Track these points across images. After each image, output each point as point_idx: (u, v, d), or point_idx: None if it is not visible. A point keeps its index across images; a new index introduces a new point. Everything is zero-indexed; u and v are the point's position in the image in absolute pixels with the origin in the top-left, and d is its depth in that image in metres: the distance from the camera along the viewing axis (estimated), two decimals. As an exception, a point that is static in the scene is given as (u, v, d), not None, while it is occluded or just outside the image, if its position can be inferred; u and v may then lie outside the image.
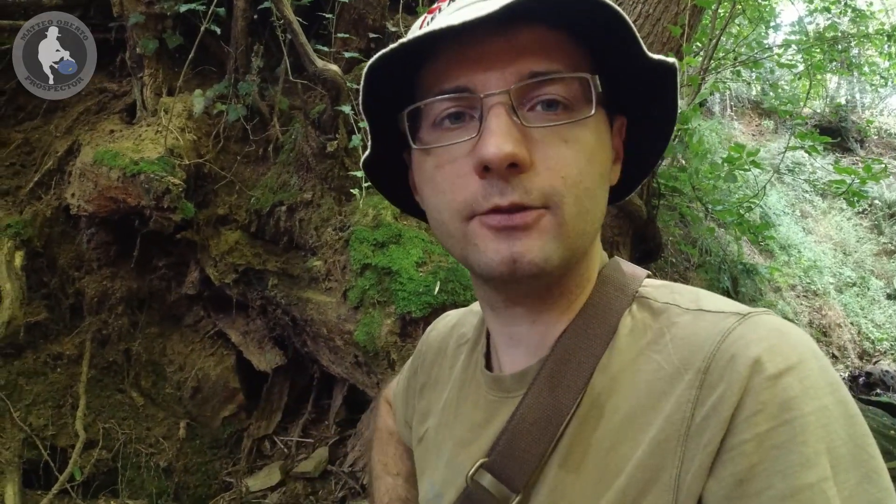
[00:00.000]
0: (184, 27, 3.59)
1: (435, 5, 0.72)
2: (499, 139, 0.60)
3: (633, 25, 0.61)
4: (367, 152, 0.78)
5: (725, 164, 3.59)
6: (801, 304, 8.45)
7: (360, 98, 0.68)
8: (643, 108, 0.74)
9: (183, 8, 3.16)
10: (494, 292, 0.74)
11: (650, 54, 0.65)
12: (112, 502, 3.40)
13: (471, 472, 0.71)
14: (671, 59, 0.67)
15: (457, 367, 0.90)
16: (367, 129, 0.75)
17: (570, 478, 0.65)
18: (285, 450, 4.03)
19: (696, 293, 0.69)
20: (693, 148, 3.54)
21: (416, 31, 0.72)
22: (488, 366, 0.83)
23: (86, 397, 3.56)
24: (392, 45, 0.60)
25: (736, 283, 7.66)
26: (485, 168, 0.61)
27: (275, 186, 3.69)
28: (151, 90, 3.64)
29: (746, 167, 3.42)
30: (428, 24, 0.70)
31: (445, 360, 0.93)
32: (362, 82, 0.65)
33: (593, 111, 0.64)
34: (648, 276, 0.77)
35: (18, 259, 3.38)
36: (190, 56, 3.22)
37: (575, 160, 0.63)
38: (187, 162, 3.41)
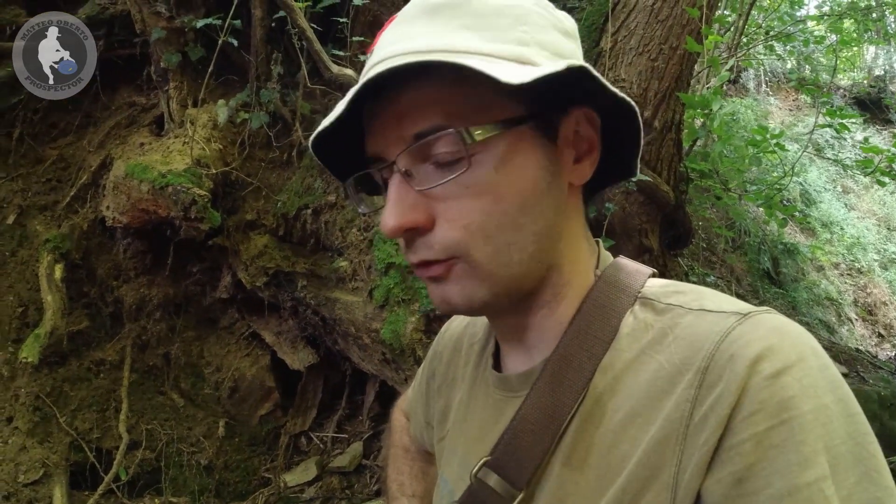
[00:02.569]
0: (205, 39, 3.68)
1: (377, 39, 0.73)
2: (389, 213, 0.64)
3: (478, 69, 0.56)
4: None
5: (751, 148, 3.52)
6: (845, 282, 8.19)
7: (323, 165, 0.74)
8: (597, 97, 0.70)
9: (200, 23, 3.24)
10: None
11: (512, 80, 0.57)
12: (156, 500, 3.55)
13: (474, 470, 0.72)
14: (568, 63, 0.62)
15: (469, 365, 0.91)
16: (342, 186, 0.79)
17: (574, 476, 0.66)
18: (321, 445, 4.14)
19: (699, 292, 0.69)
20: (716, 131, 3.48)
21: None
22: (497, 365, 0.84)
23: (128, 400, 3.72)
24: (319, 128, 0.66)
25: (777, 263, 7.47)
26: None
27: (300, 190, 3.77)
28: (177, 102, 3.74)
29: (772, 150, 3.35)
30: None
31: (460, 359, 0.95)
32: (315, 156, 0.71)
33: (467, 167, 0.63)
34: (654, 275, 0.76)
35: (58, 272, 3.55)
36: (210, 69, 3.30)
37: (478, 205, 0.64)
38: (214, 171, 3.51)
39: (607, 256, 0.79)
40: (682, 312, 0.66)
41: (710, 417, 0.56)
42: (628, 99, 0.69)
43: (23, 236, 3.82)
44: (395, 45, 0.64)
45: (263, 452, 4.08)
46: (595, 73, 0.64)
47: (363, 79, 0.60)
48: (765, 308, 0.63)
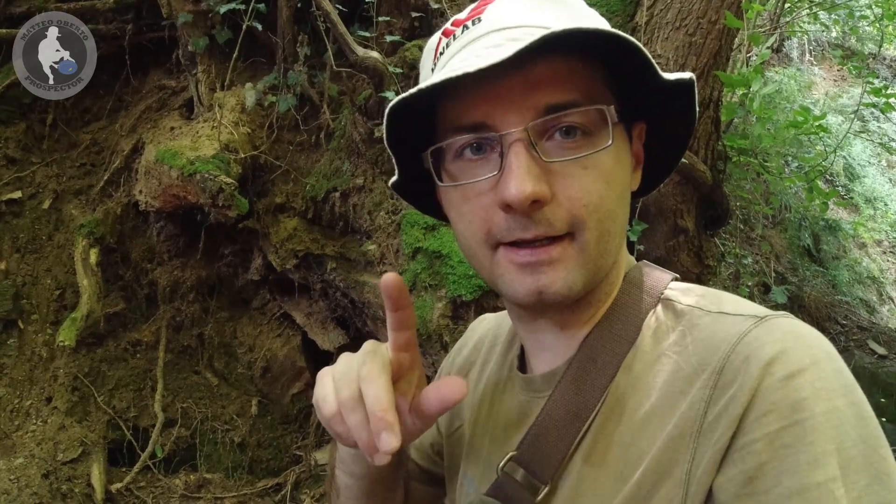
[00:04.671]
0: (232, 22, 3.67)
1: (450, 26, 0.74)
2: (519, 180, 0.62)
3: (645, 51, 0.62)
4: (394, 177, 0.83)
5: (791, 129, 3.41)
6: (888, 260, 7.96)
7: (385, 136, 0.72)
8: (663, 113, 0.76)
9: (223, 9, 3.23)
10: (521, 309, 0.78)
11: (665, 75, 0.67)
12: (191, 476, 3.65)
13: (501, 465, 0.74)
14: (688, 75, 0.69)
15: (489, 365, 0.94)
16: (394, 159, 0.78)
17: (594, 472, 0.68)
18: (351, 425, 4.19)
19: (719, 296, 0.71)
20: (755, 112, 3.37)
21: (430, 52, 0.77)
22: (521, 367, 0.86)
23: (164, 380, 3.82)
24: (411, 90, 0.63)
25: (818, 240, 7.29)
26: (507, 206, 0.64)
27: (328, 173, 3.77)
28: (206, 85, 3.76)
29: (814, 131, 3.24)
30: (444, 48, 0.74)
31: (479, 358, 0.98)
32: (385, 122, 0.68)
33: (611, 141, 0.66)
34: (675, 279, 0.78)
35: (94, 256, 3.63)
36: (235, 54, 3.29)
37: (595, 186, 0.66)
38: (243, 155, 3.53)
39: (630, 260, 0.82)
40: (702, 315, 0.69)
41: (724, 417, 0.58)
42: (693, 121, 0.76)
43: (58, 220, 3.92)
44: (521, 17, 0.68)
45: (295, 431, 4.16)
46: (695, 90, 0.72)
47: (510, 44, 0.60)
48: (782, 312, 0.65)
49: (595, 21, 0.72)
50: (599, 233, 0.67)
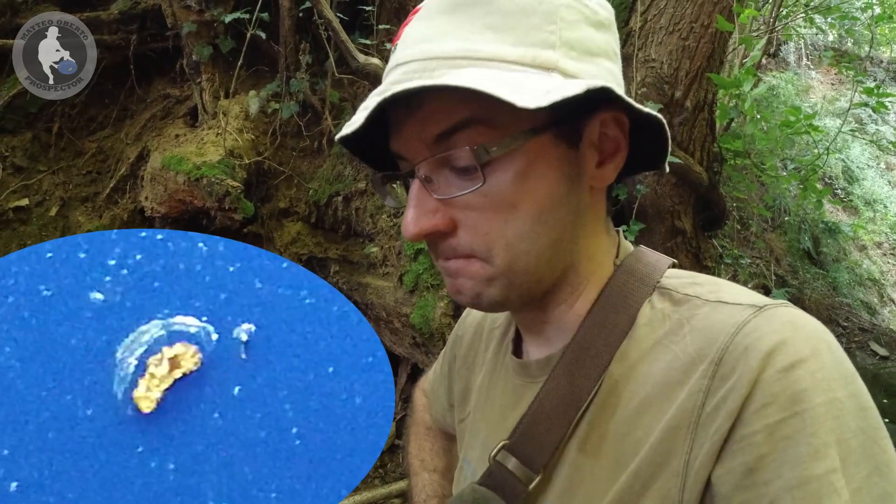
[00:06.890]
0: (234, 31, 3.73)
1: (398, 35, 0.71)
2: (411, 217, 0.64)
3: (494, 93, 0.55)
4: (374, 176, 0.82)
5: (784, 129, 3.45)
6: (888, 262, 7.96)
7: (348, 151, 0.73)
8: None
9: (227, 18, 3.30)
10: None
11: (535, 103, 0.57)
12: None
13: (493, 453, 0.73)
14: (588, 86, 0.60)
15: (490, 349, 0.93)
16: (369, 169, 0.82)
17: (589, 462, 0.67)
18: (355, 427, 4.22)
19: (717, 284, 0.70)
20: (748, 113, 3.41)
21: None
22: (517, 351, 0.86)
23: (171, 384, 3.85)
24: (344, 129, 0.62)
25: (817, 242, 7.29)
26: None
27: (331, 178, 3.83)
28: (210, 94, 3.82)
29: (805, 130, 3.28)
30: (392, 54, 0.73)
31: (481, 343, 0.97)
32: (345, 149, 0.71)
33: (482, 183, 0.62)
34: (673, 266, 0.77)
35: (101, 262, 3.67)
36: (238, 62, 3.36)
37: (497, 215, 0.64)
38: (247, 161, 3.59)
39: (627, 246, 0.79)
40: (699, 304, 0.67)
41: (722, 408, 0.57)
42: (654, 113, 0.68)
43: (66, 227, 3.96)
44: (417, 47, 0.63)
45: (301, 433, 4.19)
46: (616, 91, 0.63)
47: (381, 93, 0.59)
48: (781, 301, 0.63)
49: (521, 32, 0.62)
50: (511, 256, 0.65)
